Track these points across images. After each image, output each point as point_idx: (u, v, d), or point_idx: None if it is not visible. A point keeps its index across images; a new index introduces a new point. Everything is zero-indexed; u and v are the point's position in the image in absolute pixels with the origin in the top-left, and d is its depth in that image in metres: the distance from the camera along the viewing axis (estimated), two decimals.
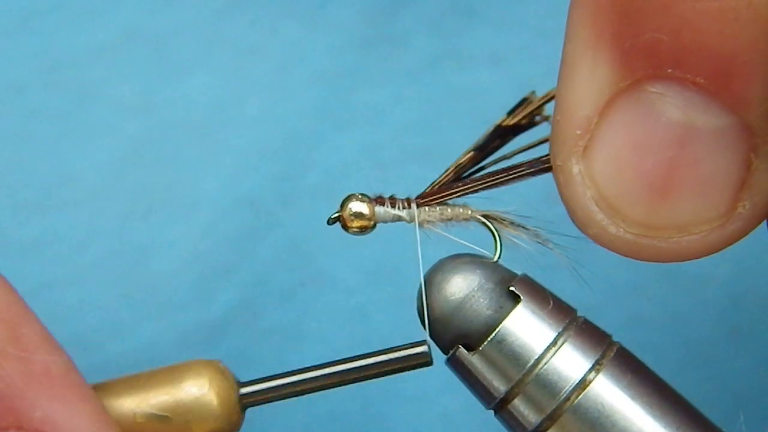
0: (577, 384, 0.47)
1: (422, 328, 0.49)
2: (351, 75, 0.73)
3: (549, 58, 0.68)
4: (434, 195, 0.50)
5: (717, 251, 0.44)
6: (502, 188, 0.50)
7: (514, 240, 0.50)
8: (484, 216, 0.50)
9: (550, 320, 0.48)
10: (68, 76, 0.72)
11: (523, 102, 0.52)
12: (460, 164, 0.50)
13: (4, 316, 0.48)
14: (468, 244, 0.49)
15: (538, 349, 0.47)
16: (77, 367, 0.50)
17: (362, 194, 0.51)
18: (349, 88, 0.73)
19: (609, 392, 0.47)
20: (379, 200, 0.50)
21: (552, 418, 0.47)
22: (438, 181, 0.50)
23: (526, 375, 0.47)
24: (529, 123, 0.52)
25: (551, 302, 0.48)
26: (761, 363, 0.68)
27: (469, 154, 0.50)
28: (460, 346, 0.48)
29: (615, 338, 0.49)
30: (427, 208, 0.50)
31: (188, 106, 0.72)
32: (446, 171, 0.50)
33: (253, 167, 0.72)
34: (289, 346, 0.71)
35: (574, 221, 0.45)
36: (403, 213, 0.50)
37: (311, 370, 0.49)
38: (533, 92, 0.53)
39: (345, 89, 0.73)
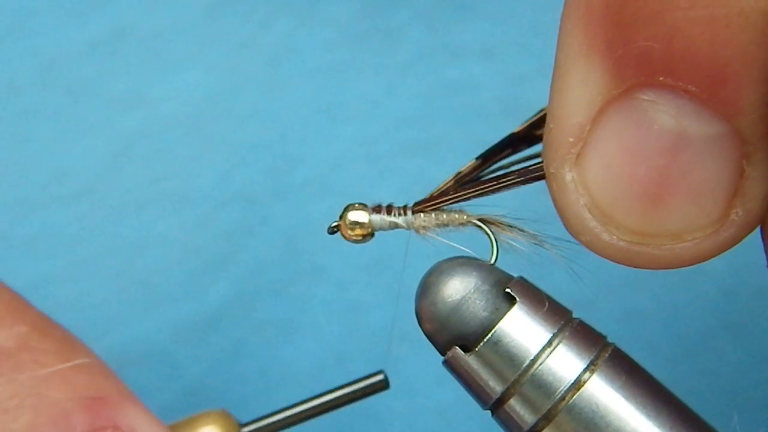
0: (572, 384, 0.47)
1: (418, 326, 0.49)
2: (344, 69, 0.73)
3: (542, 52, 0.68)
4: (430, 202, 0.51)
5: (710, 258, 0.44)
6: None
7: (511, 242, 0.50)
8: (480, 220, 0.50)
9: (545, 322, 0.48)
10: (61, 73, 0.72)
11: (541, 112, 0.52)
12: (460, 173, 0.50)
13: None
14: (464, 249, 0.49)
15: (534, 350, 0.47)
16: None
17: (360, 203, 0.51)
18: (343, 82, 0.72)
19: (603, 393, 0.47)
20: (377, 209, 0.51)
21: (547, 417, 0.47)
22: (437, 189, 0.51)
23: (521, 375, 0.47)
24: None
25: (547, 304, 0.48)
26: (755, 356, 0.68)
27: (471, 163, 0.50)
28: (457, 347, 0.48)
29: (609, 332, 0.49)
30: (422, 214, 0.51)
31: (181, 101, 0.72)
32: (446, 180, 0.51)
33: (246, 161, 0.72)
34: (282, 340, 0.71)
35: (567, 228, 0.45)
36: (400, 220, 0.51)
37: (295, 407, 0.58)
38: None
39: (338, 83, 0.72)
